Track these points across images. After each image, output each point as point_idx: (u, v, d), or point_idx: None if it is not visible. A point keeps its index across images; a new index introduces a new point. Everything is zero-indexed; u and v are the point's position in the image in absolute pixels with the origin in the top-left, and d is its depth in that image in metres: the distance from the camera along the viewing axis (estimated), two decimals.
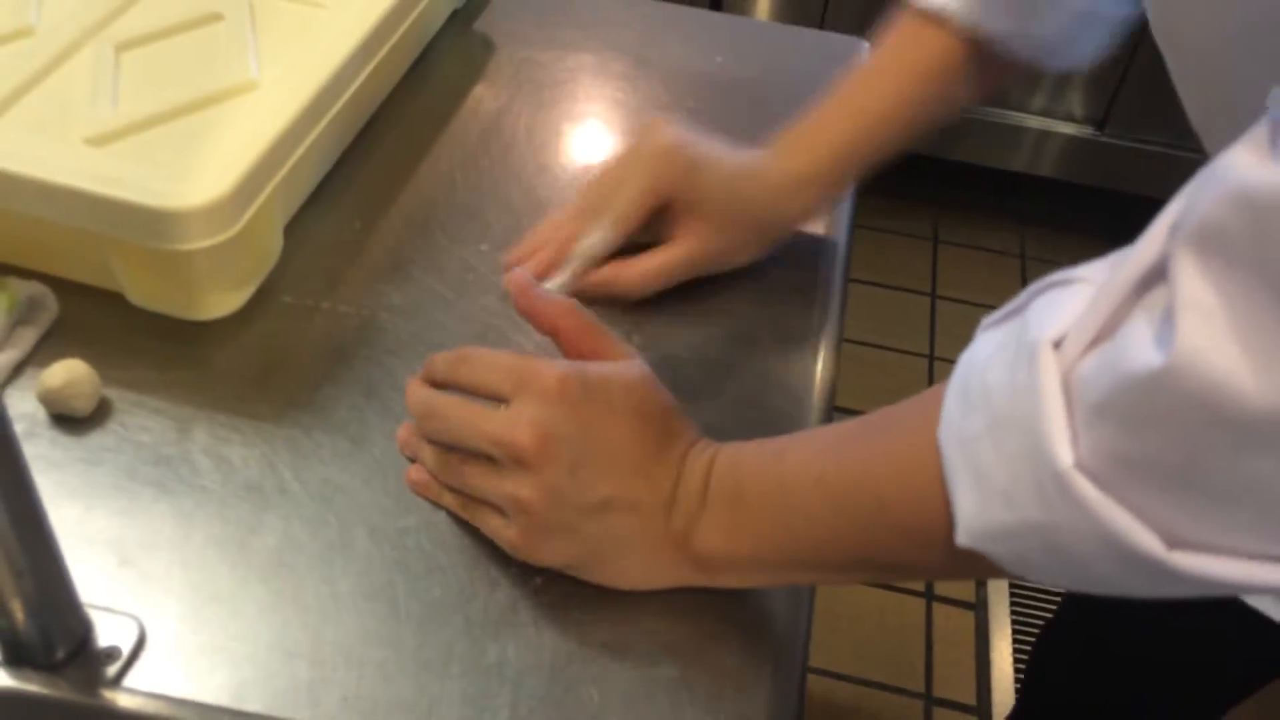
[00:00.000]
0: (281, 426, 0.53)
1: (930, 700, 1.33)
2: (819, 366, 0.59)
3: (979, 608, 1.42)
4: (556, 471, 0.44)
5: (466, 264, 0.63)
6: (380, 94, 0.72)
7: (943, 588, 1.43)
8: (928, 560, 0.41)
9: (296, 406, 0.54)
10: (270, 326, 0.58)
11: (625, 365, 0.48)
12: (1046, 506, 0.34)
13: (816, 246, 0.67)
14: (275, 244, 0.60)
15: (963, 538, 0.37)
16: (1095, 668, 0.81)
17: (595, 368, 0.47)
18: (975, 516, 0.37)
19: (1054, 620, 0.85)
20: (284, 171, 0.57)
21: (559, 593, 0.48)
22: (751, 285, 0.63)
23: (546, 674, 0.45)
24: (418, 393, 0.49)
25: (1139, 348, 0.31)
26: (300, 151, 0.58)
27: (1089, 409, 0.33)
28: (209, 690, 0.43)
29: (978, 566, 0.38)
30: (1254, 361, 0.29)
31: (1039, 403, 0.34)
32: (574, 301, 0.50)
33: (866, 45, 0.83)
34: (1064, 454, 0.33)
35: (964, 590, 1.43)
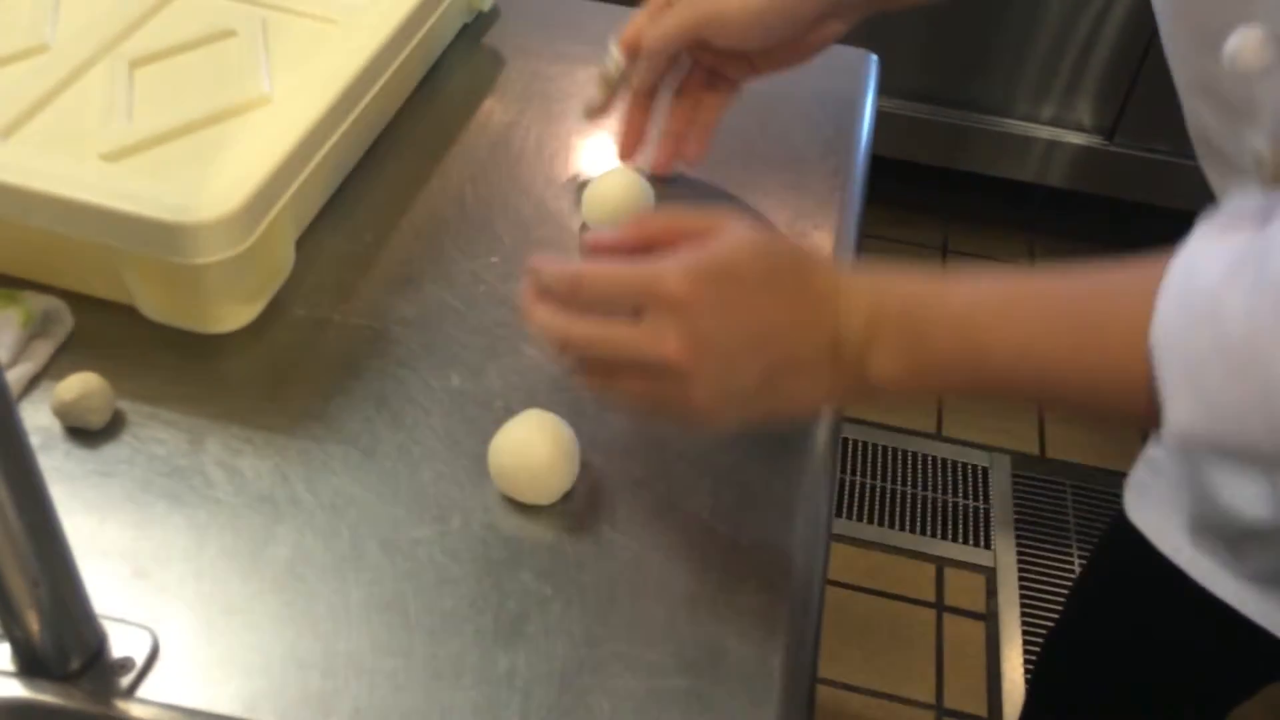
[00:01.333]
0: (294, 438, 0.53)
1: (941, 711, 1.32)
2: None
3: (990, 618, 1.41)
4: (715, 371, 0.44)
5: (477, 276, 0.63)
6: (391, 108, 0.72)
7: (954, 599, 1.43)
8: (1122, 417, 0.43)
9: (309, 418, 0.54)
10: (282, 339, 0.58)
11: (731, 233, 0.46)
12: (1273, 435, 0.35)
13: (824, 252, 0.67)
14: (287, 257, 0.60)
15: (1172, 440, 0.38)
16: (1099, 669, 0.81)
17: (709, 252, 0.45)
18: (1195, 429, 0.38)
19: (1059, 623, 0.85)
20: (296, 186, 0.57)
21: (569, 603, 0.48)
22: None
23: (557, 684, 0.45)
24: (551, 321, 0.47)
25: None
26: (312, 166, 0.59)
27: None
28: (222, 701, 0.44)
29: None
30: None
31: (1268, 333, 0.34)
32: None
33: (874, 58, 0.83)
34: None
35: (975, 601, 1.43)
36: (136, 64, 0.62)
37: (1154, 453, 0.68)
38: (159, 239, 0.52)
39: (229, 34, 0.65)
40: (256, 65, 0.63)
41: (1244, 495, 0.58)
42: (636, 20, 0.65)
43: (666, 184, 0.70)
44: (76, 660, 0.43)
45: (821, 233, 0.68)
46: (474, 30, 0.82)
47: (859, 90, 0.80)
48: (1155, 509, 0.66)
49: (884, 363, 0.44)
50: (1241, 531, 0.59)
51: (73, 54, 0.62)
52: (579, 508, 0.52)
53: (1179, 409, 0.38)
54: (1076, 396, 0.42)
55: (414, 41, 0.69)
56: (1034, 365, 0.42)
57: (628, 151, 0.68)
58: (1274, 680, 0.72)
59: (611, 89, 0.67)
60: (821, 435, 0.56)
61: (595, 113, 0.68)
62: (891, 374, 0.44)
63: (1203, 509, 0.62)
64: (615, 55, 0.66)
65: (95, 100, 0.59)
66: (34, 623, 0.42)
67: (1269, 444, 0.36)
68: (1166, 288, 0.38)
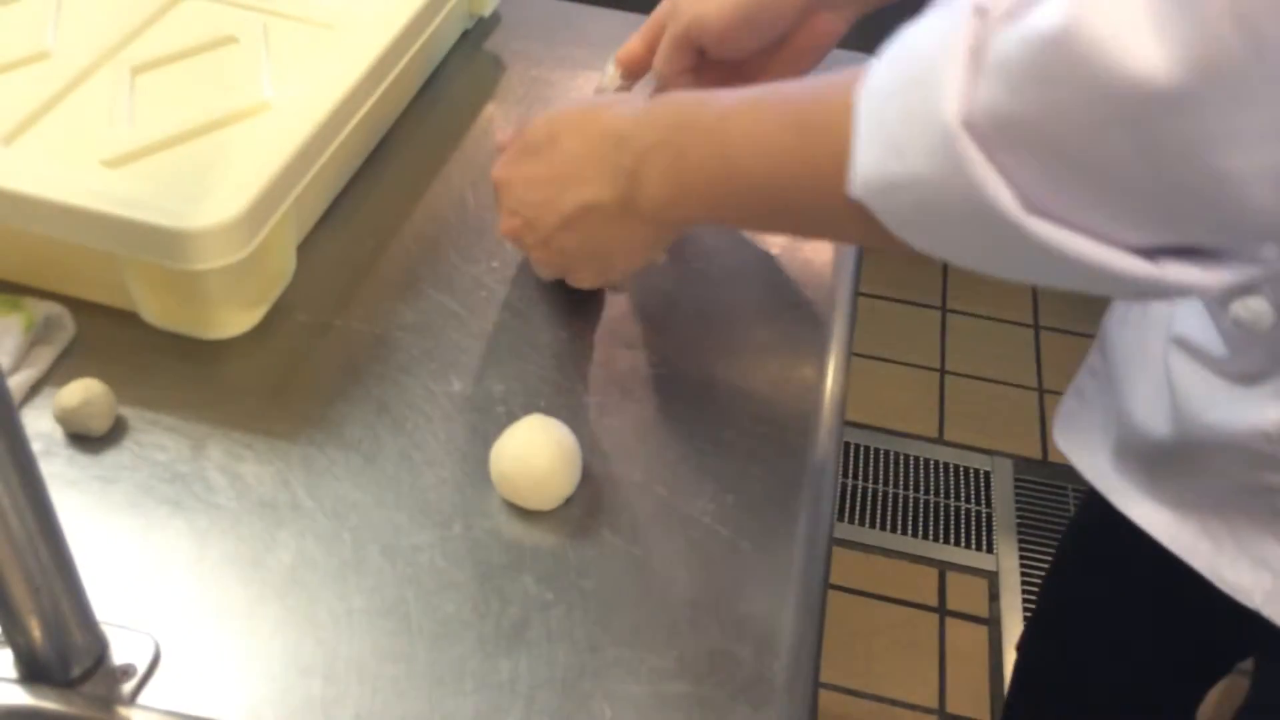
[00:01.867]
0: (295, 444, 0.53)
1: (944, 715, 1.32)
2: (829, 381, 0.60)
3: (992, 623, 1.41)
4: (529, 230, 0.56)
5: (478, 281, 0.63)
6: (392, 114, 0.72)
7: (956, 603, 1.43)
8: (830, 208, 0.44)
9: (310, 424, 0.54)
10: (284, 344, 0.58)
11: (538, 117, 0.56)
12: (930, 160, 0.36)
13: (827, 261, 0.67)
14: (289, 263, 0.60)
15: (856, 188, 0.40)
16: (1074, 658, 0.82)
17: (517, 138, 0.57)
18: (869, 166, 0.39)
19: (1034, 614, 0.87)
20: (297, 192, 0.57)
21: (571, 608, 0.48)
22: (761, 300, 0.64)
23: (559, 689, 0.45)
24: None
25: (1047, 9, 0.33)
26: (313, 172, 0.59)
27: (988, 69, 0.35)
28: (224, 707, 0.44)
29: (870, 230, 0.41)
30: (1149, 28, 0.30)
31: (943, 59, 0.36)
32: None
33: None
34: (953, 110, 0.35)
35: (977, 605, 1.43)
36: (138, 70, 0.62)
37: (1081, 381, 0.69)
38: (161, 245, 0.52)
39: (230, 40, 0.65)
40: (258, 71, 0.63)
41: (1152, 414, 0.59)
42: (629, 42, 0.65)
43: None
44: (78, 667, 0.43)
45: (823, 243, 0.68)
46: (475, 36, 0.82)
47: None
48: (1081, 437, 0.67)
49: (653, 189, 0.50)
50: (1155, 454, 0.60)
51: (74, 60, 0.62)
52: (581, 513, 0.52)
53: (861, 150, 0.40)
54: (805, 194, 0.45)
55: (415, 47, 0.69)
56: (770, 161, 0.45)
57: None
58: (1242, 657, 0.73)
59: None
60: (823, 439, 0.56)
61: None
62: (659, 197, 0.50)
63: (1122, 433, 0.63)
64: (611, 72, 0.66)
65: (97, 106, 0.59)
66: (36, 629, 0.42)
67: (925, 168, 0.37)
68: (879, 59, 0.40)
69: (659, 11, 0.64)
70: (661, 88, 0.64)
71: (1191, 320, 0.55)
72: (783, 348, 0.61)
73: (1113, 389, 0.64)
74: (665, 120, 0.50)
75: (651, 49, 0.64)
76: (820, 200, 0.44)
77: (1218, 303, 0.52)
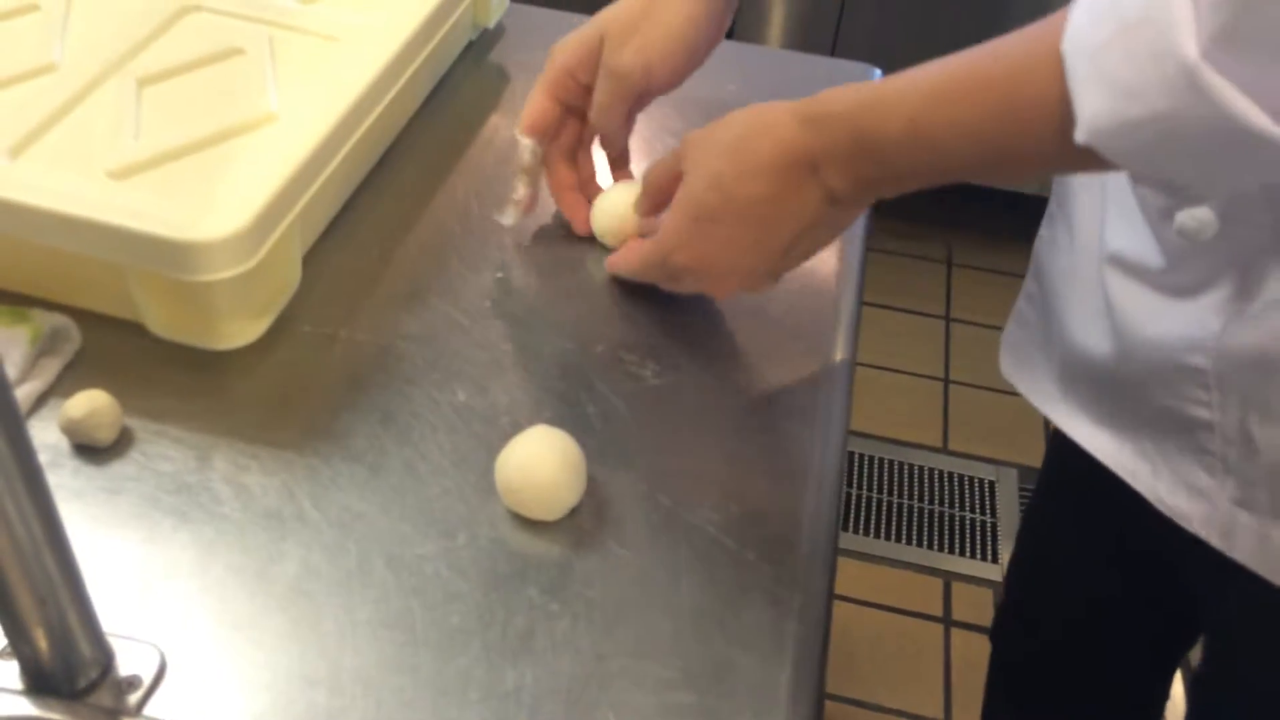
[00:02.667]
0: (301, 454, 0.53)
1: None
2: (833, 390, 0.60)
3: None
4: (742, 280, 0.57)
5: (482, 291, 0.63)
6: (397, 124, 0.73)
7: (961, 613, 1.42)
8: (1045, 159, 0.46)
9: (315, 434, 0.54)
10: (289, 355, 0.58)
11: (691, 176, 0.55)
12: (1171, 97, 0.38)
13: (830, 273, 0.67)
14: (294, 274, 0.61)
15: (1082, 135, 0.41)
16: (1045, 632, 0.84)
17: (683, 208, 0.56)
18: (1101, 116, 0.40)
19: (1010, 571, 0.88)
20: (302, 203, 0.58)
21: (576, 618, 0.48)
22: (765, 310, 0.64)
23: (564, 700, 0.45)
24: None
25: None
26: (319, 183, 0.59)
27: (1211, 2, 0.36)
28: (229, 718, 0.44)
29: (1087, 162, 0.42)
30: None
31: (1169, 4, 0.37)
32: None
33: (878, 72, 0.84)
34: (1191, 44, 0.37)
35: (983, 615, 1.42)
36: (144, 82, 0.63)
37: (1021, 308, 0.69)
38: (166, 256, 0.53)
39: (236, 52, 0.65)
40: (263, 83, 0.63)
41: (1091, 335, 0.59)
42: (533, 104, 0.64)
43: None
44: (84, 678, 0.43)
45: (826, 249, 0.68)
46: (479, 47, 0.82)
47: None
48: (1026, 364, 0.68)
49: (855, 194, 0.51)
50: (1097, 376, 0.60)
51: (81, 72, 0.62)
52: (586, 523, 0.52)
53: (1086, 100, 0.40)
54: (1017, 159, 0.47)
55: (419, 59, 0.69)
56: (981, 148, 0.46)
57: (583, 226, 0.66)
58: (1199, 630, 0.74)
59: (534, 179, 0.65)
60: (827, 450, 0.56)
61: (525, 207, 0.66)
62: (863, 199, 0.52)
63: (1064, 356, 0.63)
64: (528, 144, 0.64)
65: (103, 118, 0.60)
66: (42, 640, 0.42)
67: (1166, 105, 0.38)
68: (1076, 4, 0.41)
69: (561, 65, 0.63)
70: (605, 139, 0.66)
71: (1126, 236, 0.55)
72: (786, 358, 0.61)
73: (1050, 314, 0.64)
74: (845, 133, 0.50)
75: (560, 101, 0.64)
76: (1035, 158, 0.46)
77: (1160, 214, 0.52)
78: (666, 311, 0.63)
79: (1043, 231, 0.67)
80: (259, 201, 0.54)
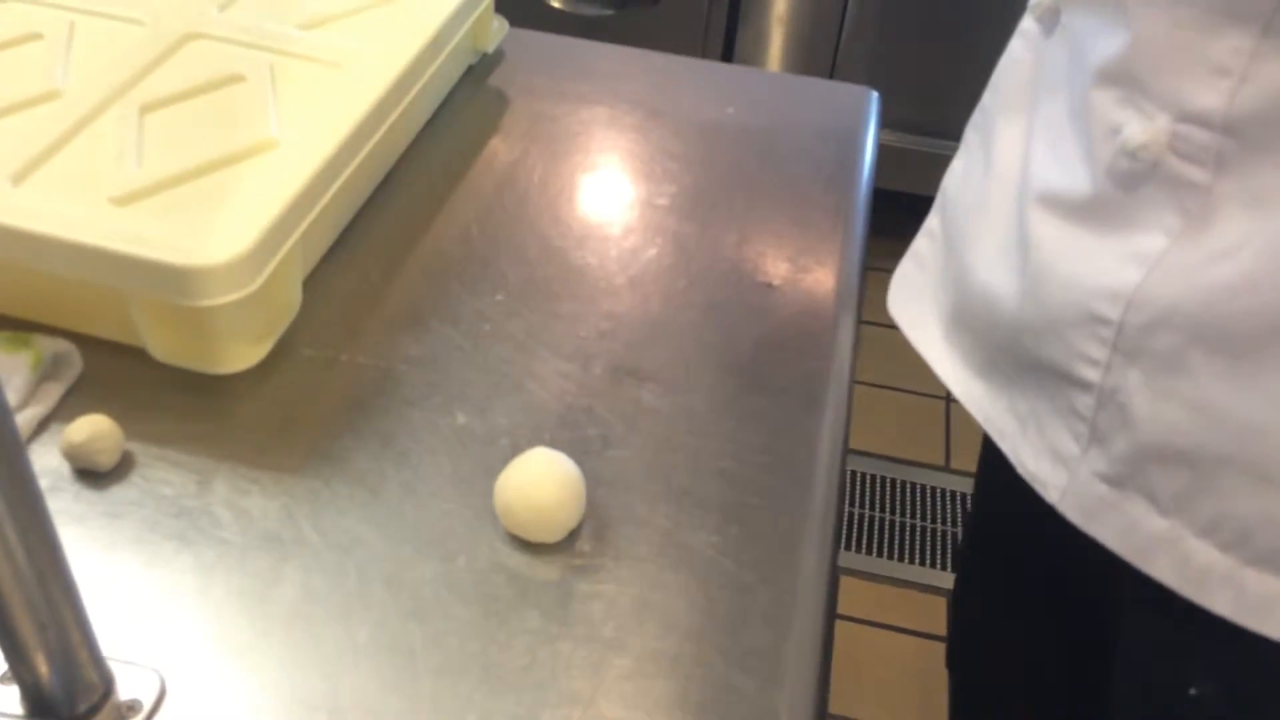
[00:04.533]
0: (301, 478, 0.53)
1: None
2: (832, 410, 0.60)
3: None
4: None
5: (482, 314, 0.64)
6: (398, 149, 0.73)
7: None
8: None
9: (316, 458, 0.55)
10: (290, 379, 0.59)
11: None
12: None
13: (829, 291, 0.68)
14: (295, 297, 0.61)
15: None
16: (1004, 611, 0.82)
17: None
18: None
19: (964, 559, 0.88)
20: (303, 228, 0.58)
21: (576, 642, 0.48)
22: (763, 331, 0.64)
23: None
24: None
25: None
26: (319, 208, 0.59)
27: None
28: None
29: None
30: None
31: None
32: None
33: (875, 95, 0.84)
34: None
35: None
36: (147, 109, 0.63)
37: (918, 245, 0.68)
38: (168, 282, 0.53)
39: (237, 79, 0.66)
40: (264, 109, 0.64)
41: (996, 274, 0.58)
42: None
43: (670, 212, 0.70)
44: (84, 703, 0.44)
45: (824, 269, 0.68)
46: (479, 72, 0.83)
47: (860, 126, 0.81)
48: (914, 303, 0.67)
49: None
50: (987, 320, 0.59)
51: (84, 100, 0.63)
52: (585, 545, 0.52)
53: None
54: None
55: (419, 84, 0.70)
56: None
57: None
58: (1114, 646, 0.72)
59: None
60: (826, 470, 0.56)
61: None
62: None
63: (958, 298, 0.62)
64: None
65: (106, 145, 0.60)
66: (42, 665, 0.42)
67: None
68: None
69: None
70: None
71: (1053, 166, 0.54)
72: (785, 378, 0.61)
73: (951, 251, 0.63)
74: None
75: None
76: None
77: (1107, 132, 0.50)
78: (665, 332, 0.63)
79: (955, 164, 0.66)
80: (260, 227, 0.55)
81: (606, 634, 0.48)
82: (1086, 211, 0.52)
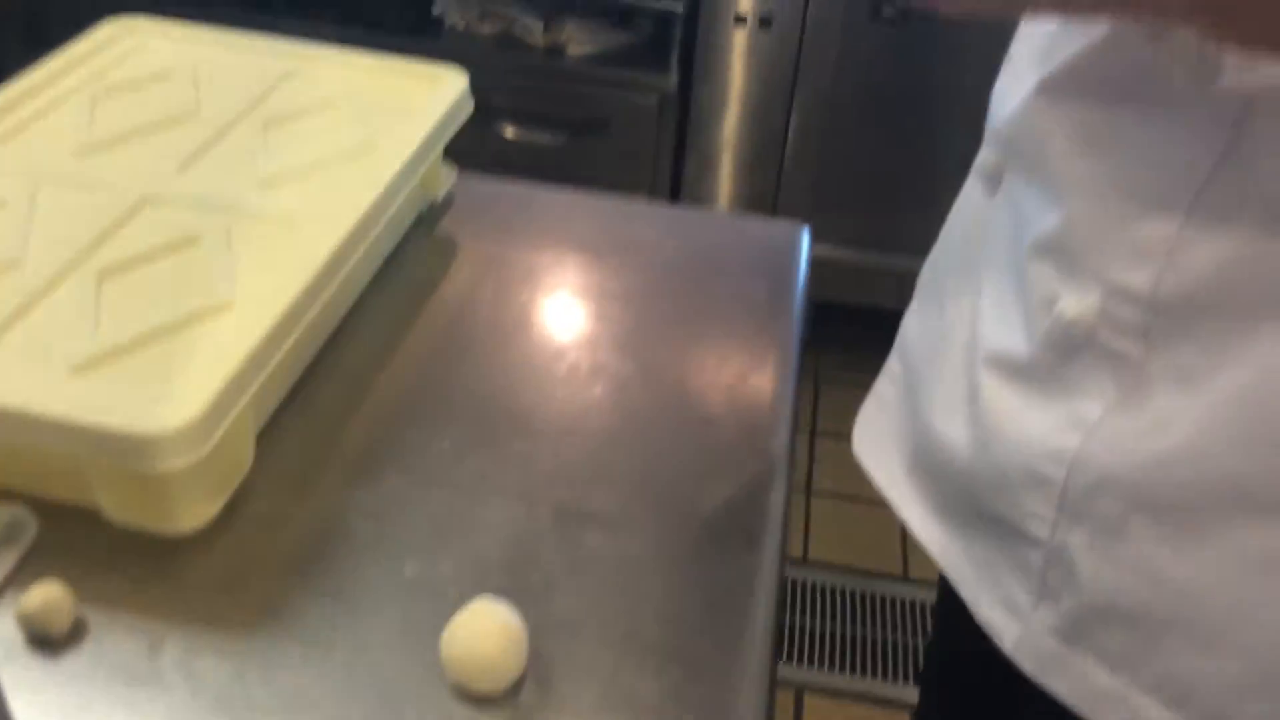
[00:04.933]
0: (253, 637, 0.55)
1: None
2: (767, 546, 0.62)
3: None
4: None
5: (433, 459, 0.66)
6: (350, 298, 0.76)
7: None
8: None
9: (267, 615, 0.56)
10: (242, 534, 0.60)
11: None
12: None
13: (764, 419, 0.70)
14: (247, 454, 0.63)
15: None
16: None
17: None
18: None
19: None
20: (255, 387, 0.60)
21: None
22: (703, 465, 0.66)
23: None
24: None
25: None
26: (272, 366, 0.62)
27: None
28: None
29: None
30: None
31: None
32: None
33: (806, 229, 0.89)
34: None
35: None
36: (105, 274, 0.66)
37: (880, 387, 0.70)
38: (124, 449, 0.55)
39: (194, 241, 0.69)
40: (219, 271, 0.67)
41: (951, 423, 0.59)
42: None
43: (612, 350, 0.73)
44: None
45: (760, 402, 0.71)
46: (428, 218, 0.87)
47: (792, 260, 0.85)
48: (878, 443, 0.68)
49: None
50: (946, 466, 0.60)
51: (44, 268, 0.65)
52: (530, 696, 0.53)
53: None
54: None
55: (371, 237, 0.73)
56: None
57: None
58: None
59: None
60: (761, 609, 0.58)
61: None
62: None
63: (919, 440, 0.63)
64: None
65: (65, 313, 0.63)
66: None
67: None
68: None
69: None
70: None
71: (999, 326, 0.55)
72: (724, 516, 0.64)
73: (910, 396, 0.65)
74: None
75: None
76: None
77: (1042, 301, 0.52)
78: (609, 473, 0.65)
79: (912, 306, 0.68)
80: (213, 390, 0.57)
81: None
82: (1029, 374, 0.54)
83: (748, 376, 0.74)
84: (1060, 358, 0.52)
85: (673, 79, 1.70)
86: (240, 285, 0.66)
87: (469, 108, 0.85)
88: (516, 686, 0.53)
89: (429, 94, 0.83)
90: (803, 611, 1.51)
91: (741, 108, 1.75)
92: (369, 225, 0.73)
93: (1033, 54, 0.54)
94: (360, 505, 0.62)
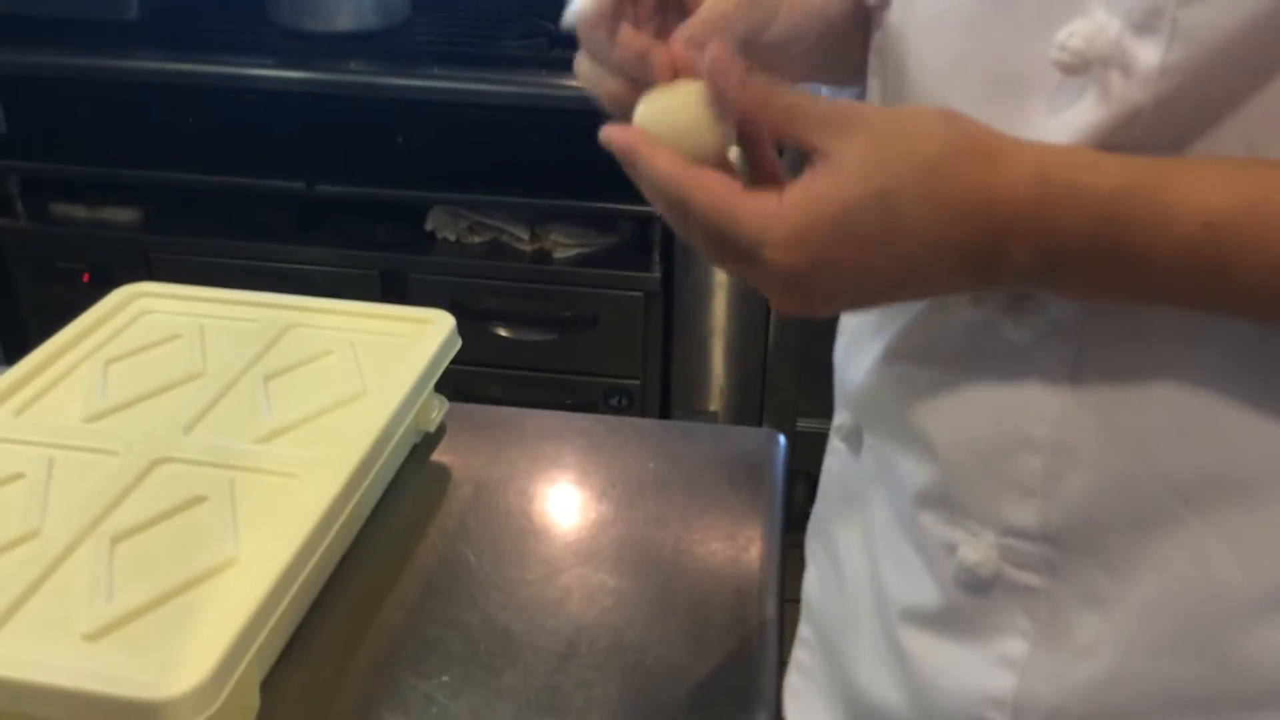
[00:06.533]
0: None
1: None
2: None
3: None
4: (825, 307, 0.46)
5: (429, 698, 0.68)
6: (348, 540, 0.80)
7: None
8: None
9: None
10: None
11: (845, 175, 0.42)
12: None
13: (752, 630, 0.73)
14: (253, 700, 0.66)
15: None
16: None
17: (819, 205, 0.42)
18: None
19: None
20: (260, 640, 0.64)
21: None
22: (696, 694, 0.68)
23: None
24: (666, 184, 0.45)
25: None
26: (275, 618, 0.65)
27: None
28: None
29: None
30: None
31: None
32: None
33: (781, 437, 0.93)
34: None
35: None
36: (118, 539, 0.70)
37: (798, 655, 0.69)
38: (134, 714, 0.58)
39: (201, 499, 0.73)
40: (225, 527, 0.71)
41: (879, 683, 0.58)
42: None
43: (601, 570, 0.76)
44: None
45: (745, 616, 0.74)
46: (421, 450, 0.91)
47: (769, 466, 0.89)
48: (809, 711, 0.66)
49: (1047, 284, 0.44)
50: None
51: (60, 536, 0.69)
52: None
53: None
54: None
55: (366, 482, 0.77)
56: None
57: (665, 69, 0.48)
58: None
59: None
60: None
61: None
62: (1050, 287, 0.44)
63: (852, 705, 0.62)
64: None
65: (80, 581, 0.66)
66: None
67: None
68: None
69: None
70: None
71: (902, 580, 0.55)
72: (717, 695, 0.66)
73: (831, 661, 0.64)
74: (1095, 213, 0.40)
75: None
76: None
77: (942, 549, 0.52)
78: (600, 707, 0.68)
79: (809, 573, 0.67)
80: (219, 651, 0.60)
81: None
82: (947, 621, 0.53)
83: (735, 584, 0.76)
84: (973, 599, 0.52)
85: (656, 274, 1.79)
86: (243, 541, 0.70)
87: (456, 345, 0.91)
88: None
89: (419, 337, 0.90)
90: None
91: (726, 293, 1.83)
92: (364, 471, 0.77)
93: (865, 323, 0.56)
94: None
